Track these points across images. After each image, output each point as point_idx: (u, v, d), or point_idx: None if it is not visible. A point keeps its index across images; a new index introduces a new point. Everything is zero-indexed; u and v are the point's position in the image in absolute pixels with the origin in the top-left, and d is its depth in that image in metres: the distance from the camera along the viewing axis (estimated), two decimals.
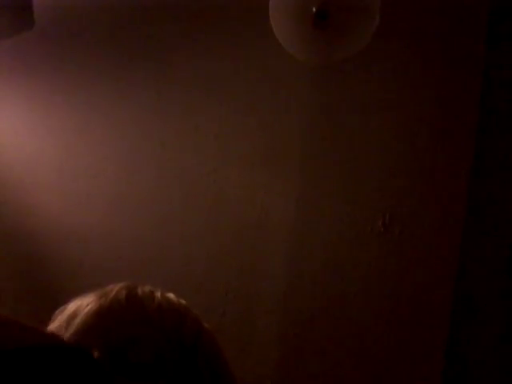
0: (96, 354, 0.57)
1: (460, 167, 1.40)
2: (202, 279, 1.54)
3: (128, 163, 1.59)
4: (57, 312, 0.68)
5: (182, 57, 1.55)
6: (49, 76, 1.61)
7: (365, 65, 1.43)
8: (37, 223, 1.62)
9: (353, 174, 1.46)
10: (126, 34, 1.57)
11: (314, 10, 1.29)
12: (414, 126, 1.42)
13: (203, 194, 1.54)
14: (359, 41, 1.32)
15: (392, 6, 1.38)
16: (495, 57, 1.36)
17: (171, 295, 0.68)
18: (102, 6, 1.56)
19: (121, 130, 1.59)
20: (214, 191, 1.54)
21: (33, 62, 1.62)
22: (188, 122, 1.55)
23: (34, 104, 1.63)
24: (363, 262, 1.46)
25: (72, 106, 1.61)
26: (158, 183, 1.57)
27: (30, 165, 1.63)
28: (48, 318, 0.68)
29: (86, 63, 1.59)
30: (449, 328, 1.40)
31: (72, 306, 0.66)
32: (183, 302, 0.68)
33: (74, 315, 0.64)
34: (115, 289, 0.65)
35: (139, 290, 0.65)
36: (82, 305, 0.64)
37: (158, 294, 0.66)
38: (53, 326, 0.65)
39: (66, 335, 0.62)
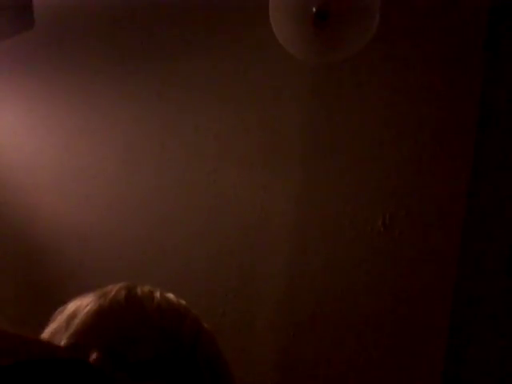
0: (95, 355, 0.57)
1: (460, 167, 1.40)
2: (202, 279, 1.54)
3: (128, 163, 1.59)
4: (56, 312, 0.68)
5: (182, 57, 1.55)
6: (49, 76, 1.61)
7: (365, 65, 1.43)
8: (37, 223, 1.63)
9: (353, 174, 1.46)
10: (126, 34, 1.57)
11: (314, 10, 1.29)
12: (414, 126, 1.42)
13: (203, 193, 1.54)
14: (359, 41, 1.32)
15: (392, 6, 1.38)
16: (495, 57, 1.36)
17: (171, 295, 0.68)
18: (102, 6, 1.56)
19: (121, 130, 1.59)
20: (213, 191, 1.54)
21: (33, 62, 1.62)
22: (188, 122, 1.55)
23: (34, 104, 1.63)
24: (363, 262, 1.46)
25: (72, 106, 1.61)
26: (158, 183, 1.57)
27: (30, 165, 1.64)
28: (48, 318, 0.68)
29: (86, 63, 1.59)
30: (449, 328, 1.40)
31: (71, 306, 0.66)
32: (183, 302, 0.68)
33: (73, 315, 0.64)
34: (114, 289, 0.65)
35: (138, 290, 0.65)
36: (82, 305, 0.64)
37: (158, 294, 0.66)
38: (52, 326, 0.65)
39: (66, 335, 0.62)
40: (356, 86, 1.46)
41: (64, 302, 0.69)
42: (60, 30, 1.60)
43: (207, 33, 1.52)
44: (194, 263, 1.55)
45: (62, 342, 0.60)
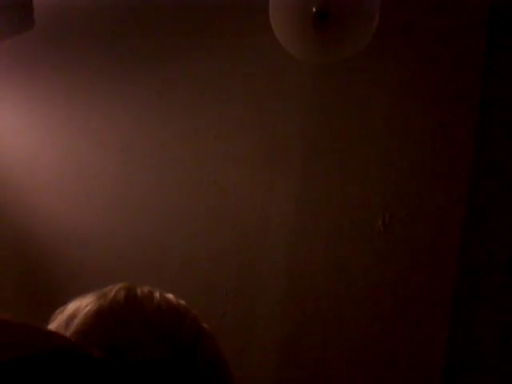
0: (95, 356, 0.57)
1: (460, 167, 1.40)
2: (202, 279, 1.54)
3: (128, 163, 1.59)
4: (56, 312, 0.68)
5: (182, 57, 1.55)
6: (49, 76, 1.61)
7: (365, 65, 1.43)
8: (37, 223, 1.63)
9: (353, 174, 1.46)
10: (126, 34, 1.58)
11: (314, 10, 1.29)
12: (414, 125, 1.42)
13: (203, 194, 1.54)
14: (359, 41, 1.32)
15: (392, 6, 1.38)
16: (496, 56, 1.36)
17: (170, 295, 0.68)
18: (102, 6, 1.56)
19: (121, 130, 1.59)
20: (214, 191, 1.54)
21: (33, 62, 1.62)
22: (188, 123, 1.55)
23: (34, 104, 1.63)
24: (363, 262, 1.46)
25: (72, 106, 1.61)
26: (158, 183, 1.57)
27: (30, 165, 1.64)
28: (48, 319, 0.68)
29: (86, 63, 1.59)
30: (449, 328, 1.40)
31: (71, 307, 0.66)
32: (182, 302, 0.68)
33: (73, 315, 0.64)
34: (114, 289, 0.65)
35: (138, 291, 0.65)
36: (82, 305, 0.64)
37: (157, 295, 0.66)
38: (52, 326, 0.65)
39: (66, 335, 0.62)
40: (356, 86, 1.46)
41: (64, 302, 0.69)
42: (60, 30, 1.60)
43: (207, 33, 1.52)
44: (194, 263, 1.55)
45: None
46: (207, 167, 1.54)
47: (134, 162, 1.59)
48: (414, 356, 1.44)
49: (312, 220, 1.49)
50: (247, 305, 1.53)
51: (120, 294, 0.64)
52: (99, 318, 0.62)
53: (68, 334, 0.62)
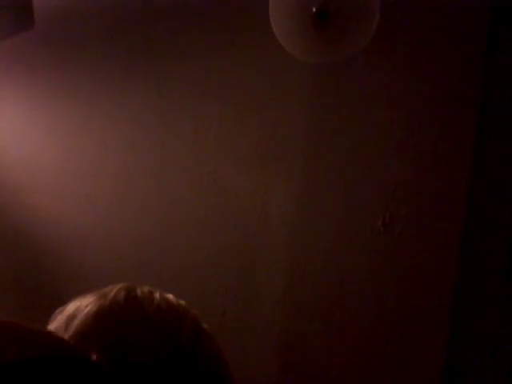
0: (95, 357, 0.57)
1: (460, 167, 1.40)
2: (202, 279, 1.54)
3: (128, 163, 1.59)
4: (56, 312, 0.68)
5: (182, 56, 1.55)
6: (49, 76, 1.61)
7: (365, 65, 1.43)
8: (37, 223, 1.63)
9: (353, 174, 1.46)
10: (126, 34, 1.58)
11: (314, 9, 1.29)
12: (414, 126, 1.42)
13: (203, 193, 1.54)
14: (359, 41, 1.32)
15: (392, 6, 1.38)
16: (496, 56, 1.36)
17: (170, 296, 0.68)
18: (102, 6, 1.56)
19: (121, 130, 1.59)
20: (214, 191, 1.54)
21: (33, 62, 1.62)
22: (188, 122, 1.55)
23: (34, 104, 1.63)
24: (363, 262, 1.46)
25: (72, 106, 1.61)
26: (158, 183, 1.57)
27: (30, 165, 1.64)
28: (48, 319, 0.68)
29: (86, 63, 1.59)
30: (449, 328, 1.40)
31: (71, 307, 0.66)
32: (182, 302, 0.68)
33: (73, 316, 0.64)
34: (114, 290, 0.65)
35: (138, 291, 0.65)
36: (81, 306, 0.64)
37: (157, 295, 0.66)
38: (52, 326, 0.65)
39: (65, 336, 0.62)
40: (356, 86, 1.46)
41: (64, 302, 0.69)
42: (60, 30, 1.60)
43: (207, 32, 1.52)
44: (194, 263, 1.55)
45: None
46: (207, 167, 1.54)
47: (134, 161, 1.59)
48: (414, 356, 1.44)
49: (312, 220, 1.49)
50: (247, 305, 1.53)
51: (120, 295, 0.64)
52: (99, 319, 0.62)
53: (68, 334, 0.62)
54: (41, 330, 0.44)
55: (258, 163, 1.52)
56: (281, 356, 1.51)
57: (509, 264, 1.37)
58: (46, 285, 1.61)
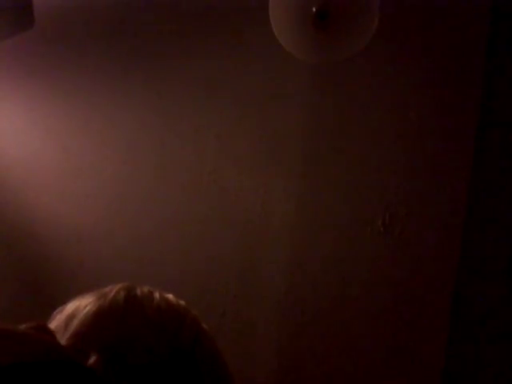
0: (94, 357, 0.57)
1: (460, 167, 1.40)
2: (202, 279, 1.54)
3: (128, 163, 1.59)
4: (55, 312, 0.68)
5: (182, 57, 1.55)
6: (49, 76, 1.61)
7: (365, 65, 1.43)
8: (37, 223, 1.62)
9: (353, 174, 1.46)
10: (125, 34, 1.57)
11: (314, 9, 1.28)
12: (414, 126, 1.42)
13: (203, 193, 1.54)
14: (359, 41, 1.32)
15: (392, 6, 1.37)
16: (496, 56, 1.36)
17: (170, 296, 0.68)
18: (102, 6, 1.56)
19: (121, 130, 1.59)
20: (214, 191, 1.54)
21: (33, 62, 1.62)
22: (188, 122, 1.55)
23: (34, 104, 1.63)
24: (363, 262, 1.46)
25: (72, 106, 1.61)
26: (158, 183, 1.57)
27: (30, 165, 1.63)
28: (47, 319, 0.68)
29: (86, 63, 1.59)
30: (449, 328, 1.40)
31: (71, 307, 0.66)
32: (182, 302, 0.68)
33: (72, 316, 0.64)
34: (114, 290, 0.65)
35: (138, 291, 0.65)
36: (81, 305, 0.64)
37: (157, 295, 0.66)
38: (51, 326, 0.65)
39: (65, 336, 0.62)
40: (356, 86, 1.46)
41: (64, 302, 0.69)
42: (60, 30, 1.60)
43: (207, 32, 1.52)
44: (194, 263, 1.55)
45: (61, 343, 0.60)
46: (207, 167, 1.54)
47: (134, 161, 1.59)
48: (414, 356, 1.44)
49: (312, 220, 1.49)
50: (247, 305, 1.53)
51: (120, 295, 0.64)
52: (99, 319, 0.62)
53: (67, 334, 0.62)
54: (33, 334, 0.44)
55: (258, 163, 1.52)
56: (281, 356, 1.51)
57: (509, 264, 1.36)
58: (46, 285, 1.61)
